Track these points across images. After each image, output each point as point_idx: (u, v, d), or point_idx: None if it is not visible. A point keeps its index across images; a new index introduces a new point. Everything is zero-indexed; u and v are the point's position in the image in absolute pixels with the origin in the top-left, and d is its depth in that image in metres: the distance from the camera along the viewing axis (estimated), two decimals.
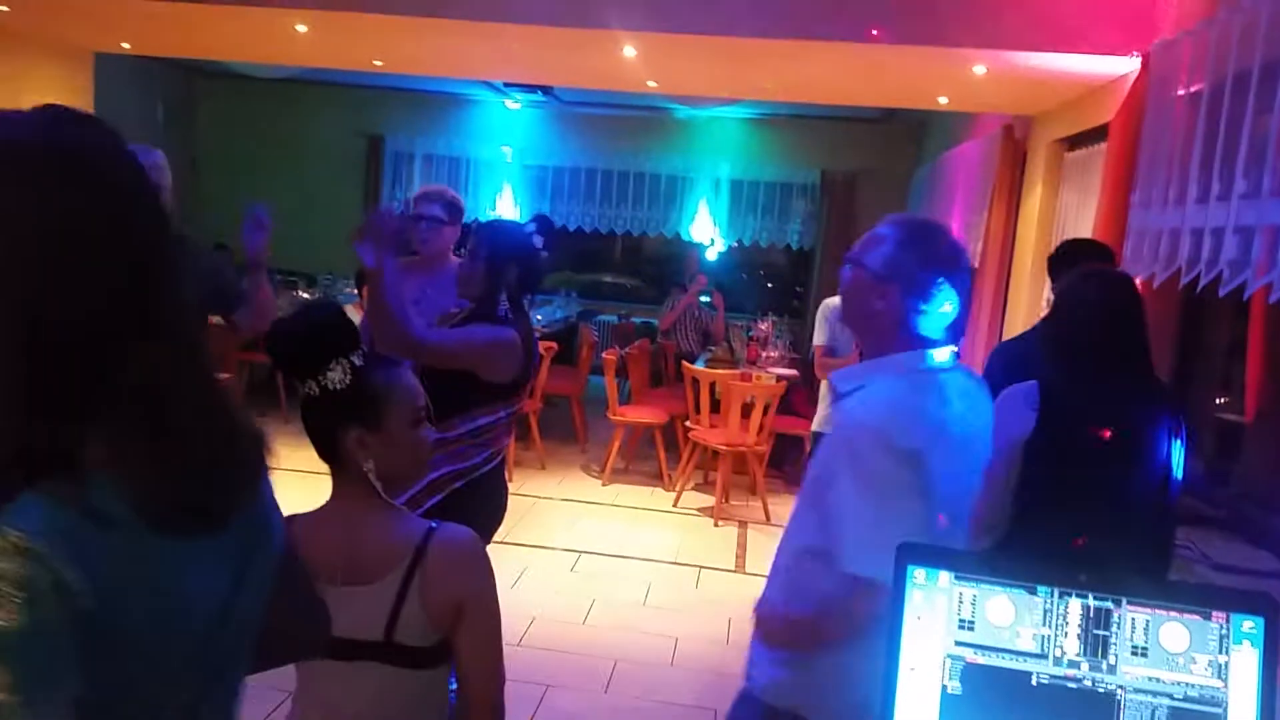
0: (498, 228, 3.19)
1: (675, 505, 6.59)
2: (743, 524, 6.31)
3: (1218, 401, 3.98)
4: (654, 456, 7.22)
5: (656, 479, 7.11)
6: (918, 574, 1.38)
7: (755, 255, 11.23)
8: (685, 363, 7.08)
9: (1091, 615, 1.33)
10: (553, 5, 4.67)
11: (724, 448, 6.34)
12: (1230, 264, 3.16)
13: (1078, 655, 1.33)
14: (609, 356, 7.23)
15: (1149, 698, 1.30)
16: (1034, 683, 1.34)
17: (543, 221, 3.13)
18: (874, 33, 4.34)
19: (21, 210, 0.92)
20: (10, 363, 0.91)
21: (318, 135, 10.21)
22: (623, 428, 7.07)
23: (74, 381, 0.92)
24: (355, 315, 6.61)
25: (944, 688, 1.35)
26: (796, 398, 7.10)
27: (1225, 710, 1.27)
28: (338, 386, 1.64)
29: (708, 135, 10.17)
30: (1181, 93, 3.63)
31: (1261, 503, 3.41)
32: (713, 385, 6.62)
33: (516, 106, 10.20)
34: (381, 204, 10.34)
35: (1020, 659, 1.34)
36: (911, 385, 1.82)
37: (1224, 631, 1.29)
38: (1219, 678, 1.28)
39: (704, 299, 8.63)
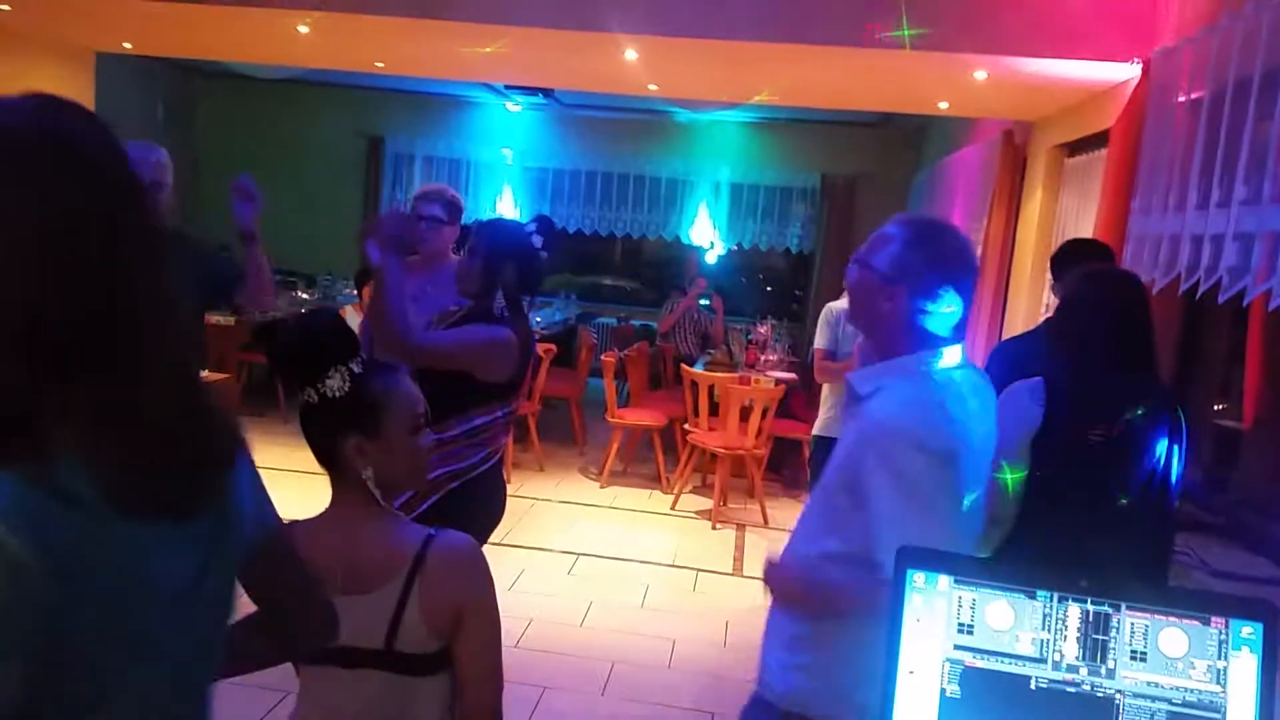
0: (496, 226, 3.19)
1: (673, 508, 6.59)
2: (741, 527, 6.31)
3: (1216, 408, 3.98)
4: (652, 459, 7.22)
5: (655, 481, 7.11)
6: (917, 578, 1.38)
7: (755, 259, 11.24)
8: (684, 366, 7.08)
9: (1091, 620, 1.33)
10: (554, 8, 4.67)
11: (722, 451, 6.34)
12: (1230, 270, 3.17)
13: (1077, 660, 1.33)
14: (608, 359, 7.23)
15: (1148, 702, 1.30)
16: (1033, 687, 1.34)
17: (543, 222, 3.13)
18: (878, 36, 4.34)
19: (10, 196, 0.93)
20: None
21: (318, 136, 10.21)
22: (621, 430, 7.07)
23: (51, 367, 0.94)
24: (355, 316, 6.62)
25: (943, 691, 1.35)
26: (795, 401, 7.10)
27: (1224, 715, 1.28)
28: (336, 394, 1.64)
29: (708, 139, 10.18)
30: (1182, 99, 3.64)
31: (1260, 509, 3.41)
32: (711, 388, 6.62)
33: (517, 109, 10.21)
34: (386, 205, 10.36)
35: (1019, 663, 1.34)
36: (933, 385, 1.82)
37: (1223, 637, 1.29)
38: (1218, 683, 1.28)
39: (703, 302, 8.64)
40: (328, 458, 1.68)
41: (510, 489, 3.24)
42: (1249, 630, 1.29)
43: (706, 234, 10.30)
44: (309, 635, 1.37)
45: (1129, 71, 4.26)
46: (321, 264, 9.74)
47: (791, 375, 7.37)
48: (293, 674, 1.72)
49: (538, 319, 8.65)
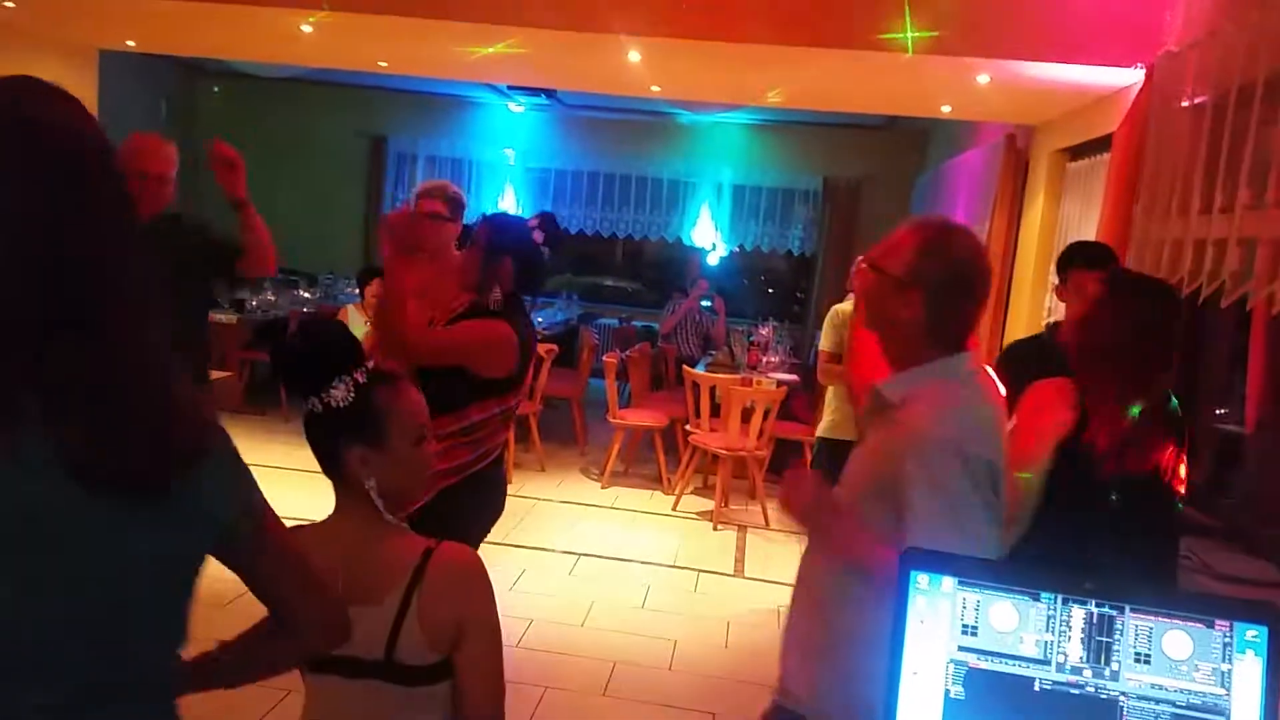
0: (498, 220, 3.19)
1: (674, 509, 6.60)
2: (742, 528, 6.31)
3: (1218, 412, 3.98)
4: (654, 460, 7.22)
5: (656, 482, 7.11)
6: (921, 579, 1.39)
7: (756, 260, 11.24)
8: (686, 367, 7.09)
9: (1095, 622, 1.33)
10: (557, 9, 4.67)
11: (724, 452, 6.34)
12: (1233, 275, 3.17)
13: (1081, 661, 1.33)
14: (609, 359, 7.24)
15: (1152, 705, 1.30)
16: (1037, 688, 1.34)
17: (546, 219, 3.12)
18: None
19: None
20: None
21: (321, 135, 10.23)
22: (623, 431, 7.07)
23: (19, 340, 0.99)
24: (357, 315, 6.62)
25: (947, 692, 1.35)
26: (797, 403, 7.11)
27: (1228, 718, 1.28)
28: (340, 404, 1.64)
29: (710, 140, 10.18)
30: (1186, 104, 3.64)
31: (1262, 514, 3.41)
32: (713, 389, 6.63)
33: (520, 109, 10.22)
34: (388, 204, 10.37)
35: (1023, 664, 1.34)
36: (966, 392, 1.82)
37: (1227, 640, 1.29)
38: (1222, 686, 1.29)
39: (705, 303, 8.65)
40: (331, 467, 1.68)
41: (511, 489, 3.23)
42: (1253, 633, 1.29)
43: (708, 235, 10.31)
44: (318, 636, 1.37)
45: (1132, 76, 4.26)
46: (324, 263, 9.76)
47: (793, 377, 7.38)
48: (295, 673, 1.73)
49: (539, 319, 8.65)
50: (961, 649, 1.36)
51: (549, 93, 9.08)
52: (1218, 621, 1.30)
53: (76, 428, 1.00)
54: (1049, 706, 1.33)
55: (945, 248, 1.84)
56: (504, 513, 3.17)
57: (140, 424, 1.04)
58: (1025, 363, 3.21)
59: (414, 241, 2.89)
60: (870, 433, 1.95)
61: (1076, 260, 3.15)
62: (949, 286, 1.82)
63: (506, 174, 10.47)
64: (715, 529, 6.26)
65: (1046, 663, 1.34)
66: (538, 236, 3.04)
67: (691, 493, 6.88)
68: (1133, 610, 1.33)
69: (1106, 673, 1.32)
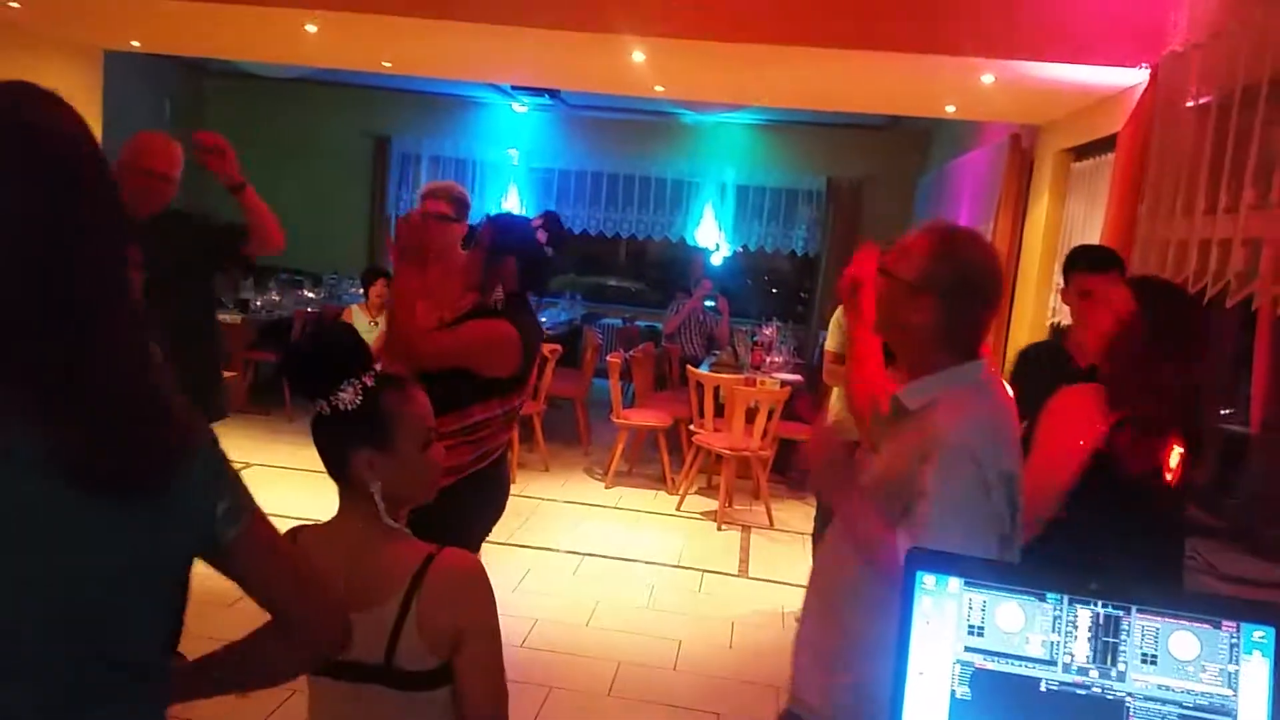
0: (502, 220, 3.20)
1: (678, 509, 6.60)
2: (746, 528, 6.31)
3: (1223, 412, 3.97)
4: (657, 460, 7.22)
5: (660, 482, 7.11)
6: (927, 579, 1.39)
7: (760, 261, 11.24)
8: (689, 367, 7.08)
9: (1101, 622, 1.33)
10: (562, 9, 4.67)
11: (728, 452, 6.34)
12: (1238, 276, 3.17)
13: (1087, 662, 1.33)
14: (613, 359, 7.24)
15: (1158, 706, 1.30)
16: (1043, 689, 1.34)
17: (550, 219, 3.13)
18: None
19: None
20: None
21: (325, 135, 10.24)
22: (626, 431, 7.08)
23: (13, 344, 1.01)
24: (362, 315, 6.63)
25: (953, 693, 1.35)
26: (800, 403, 7.10)
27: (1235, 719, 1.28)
28: (348, 407, 1.64)
29: (714, 140, 10.18)
30: (1190, 104, 3.64)
31: (1267, 514, 3.41)
32: (717, 389, 6.63)
33: (523, 110, 10.22)
34: (392, 204, 10.38)
35: (1029, 665, 1.34)
36: (987, 399, 1.82)
37: (1234, 640, 1.29)
38: (1229, 687, 1.28)
39: (709, 303, 8.65)
40: (337, 469, 1.68)
41: (515, 489, 3.24)
42: (1261, 634, 1.29)
43: (712, 235, 10.30)
44: (319, 641, 1.36)
45: (1137, 76, 4.26)
46: (328, 263, 9.77)
47: (797, 377, 7.38)
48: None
49: (542, 319, 8.66)
50: (968, 649, 1.36)
51: (553, 93, 9.08)
52: (1224, 622, 1.30)
53: (72, 428, 1.02)
54: (1055, 707, 1.33)
55: (957, 252, 1.84)
56: (508, 513, 3.18)
57: (135, 424, 1.06)
58: (1039, 366, 3.21)
59: (418, 247, 2.90)
60: (886, 441, 1.93)
61: (1079, 263, 3.14)
62: (961, 291, 1.82)
63: (510, 174, 10.48)
64: (719, 529, 6.26)
65: (1053, 663, 1.34)
66: (541, 236, 3.05)
67: (695, 493, 6.88)
68: (1139, 611, 1.33)
69: (1113, 673, 1.32)
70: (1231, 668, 1.29)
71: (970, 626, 1.36)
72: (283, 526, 1.77)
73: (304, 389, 1.69)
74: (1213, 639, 1.30)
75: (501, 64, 5.97)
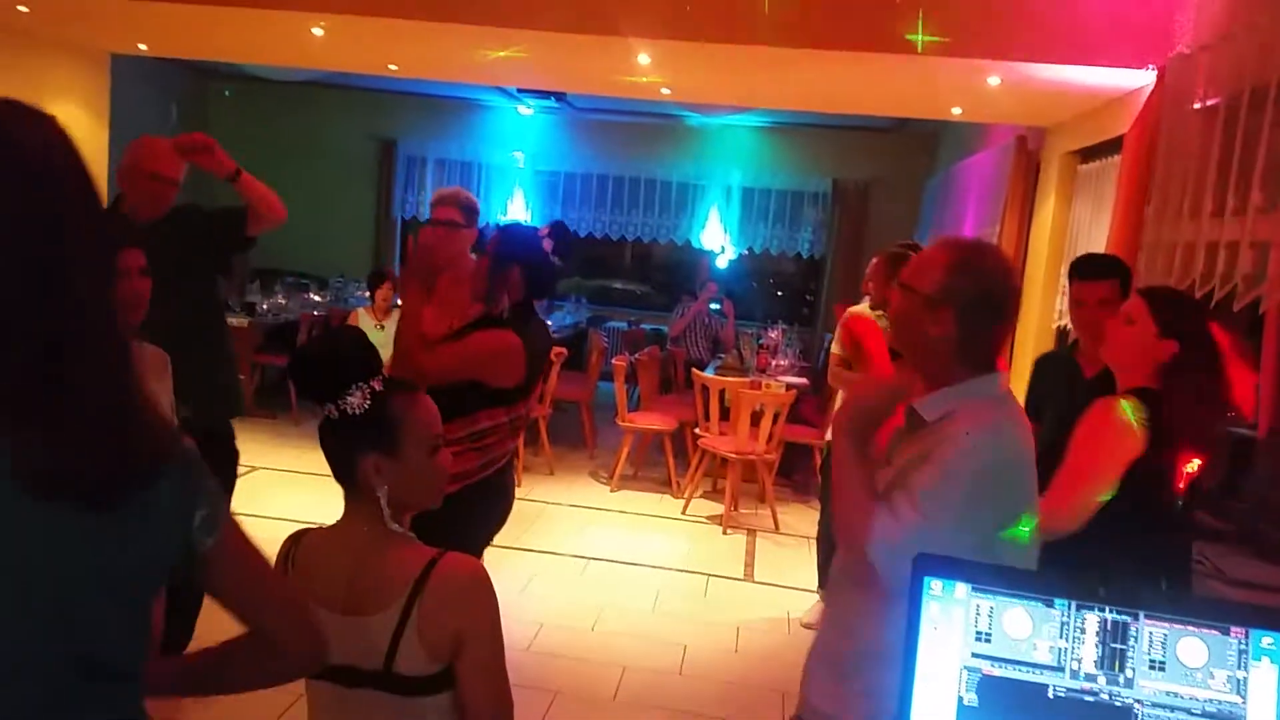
0: (508, 229, 3.22)
1: (684, 513, 6.59)
2: (751, 532, 6.30)
3: (1230, 416, 3.96)
4: (663, 463, 7.22)
5: (665, 486, 7.11)
6: (934, 585, 1.38)
7: (766, 263, 11.23)
8: (695, 370, 7.08)
9: (1109, 629, 1.33)
10: (568, 12, 4.68)
11: (733, 455, 6.34)
12: (1245, 279, 3.16)
13: (1095, 668, 1.33)
14: (619, 363, 7.24)
15: (1166, 712, 1.30)
16: (1050, 695, 1.33)
17: (557, 228, 3.15)
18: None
19: None
20: None
21: (331, 138, 10.25)
22: (632, 434, 7.07)
23: None
24: (368, 319, 6.63)
25: (960, 699, 1.35)
26: (806, 407, 7.10)
27: None
28: (356, 411, 1.65)
29: (719, 143, 10.18)
30: (1197, 106, 3.63)
31: (1274, 518, 3.39)
32: (722, 393, 6.62)
33: (529, 113, 10.23)
34: (398, 208, 10.39)
35: (1037, 671, 1.34)
36: (1001, 412, 1.82)
37: (1243, 647, 1.29)
38: (1237, 693, 1.28)
39: (714, 306, 8.64)
40: (345, 473, 1.68)
41: (520, 492, 3.24)
42: (1269, 640, 1.28)
43: (717, 238, 10.30)
44: (291, 658, 1.35)
45: (1144, 78, 4.25)
46: (333, 266, 9.79)
47: (803, 380, 7.37)
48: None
49: (548, 322, 8.67)
50: (975, 655, 1.35)
51: (559, 95, 9.09)
52: (1233, 628, 1.29)
53: (34, 436, 1.02)
54: (1063, 714, 1.32)
55: (977, 266, 1.85)
56: (513, 517, 3.18)
57: (103, 435, 1.06)
58: (1053, 375, 3.21)
59: (429, 268, 2.93)
60: (899, 452, 1.93)
61: (1074, 273, 3.14)
62: (980, 305, 1.83)
63: (516, 177, 10.48)
64: (725, 533, 6.25)
65: (1060, 670, 1.33)
66: (547, 245, 3.06)
67: (701, 496, 6.87)
68: (1147, 617, 1.32)
69: (1121, 680, 1.32)
70: (1240, 674, 1.28)
71: (978, 632, 1.36)
72: (288, 530, 1.78)
73: (312, 393, 1.69)
74: (1221, 645, 1.29)
75: (507, 67, 5.97)
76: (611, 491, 6.95)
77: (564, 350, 7.47)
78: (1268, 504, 3.51)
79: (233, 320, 7.47)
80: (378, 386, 1.67)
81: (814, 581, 5.08)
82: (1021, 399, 2.31)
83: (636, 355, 7.74)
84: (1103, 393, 2.64)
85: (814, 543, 5.19)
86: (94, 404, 1.06)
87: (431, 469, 1.71)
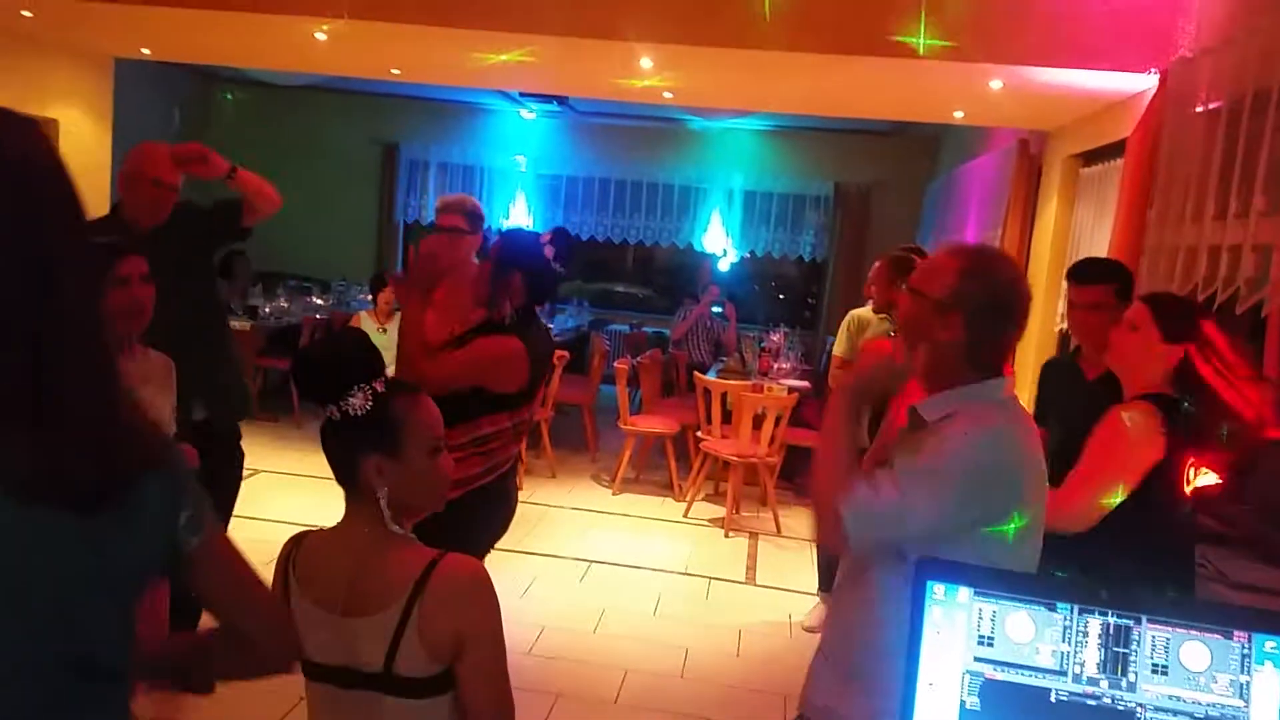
0: (510, 235, 3.24)
1: (686, 516, 6.59)
2: (753, 535, 6.30)
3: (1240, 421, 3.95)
4: (665, 466, 7.21)
5: (667, 489, 7.10)
6: (937, 589, 1.38)
7: (768, 266, 11.23)
8: (697, 373, 7.08)
9: (1111, 633, 1.33)
10: (570, 16, 4.68)
11: (735, 459, 6.34)
12: (1247, 282, 3.16)
13: (1097, 672, 1.32)
14: (620, 366, 7.24)
15: (1169, 716, 1.30)
16: (1053, 699, 1.33)
17: (559, 234, 3.17)
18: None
19: None
20: None
21: (333, 142, 10.26)
22: (634, 437, 7.07)
23: None
24: (370, 322, 6.64)
25: (962, 703, 1.35)
26: (808, 410, 7.09)
27: None
28: (358, 413, 1.65)
29: (721, 146, 10.18)
30: (1200, 110, 3.63)
31: (1277, 521, 3.39)
32: (724, 396, 6.62)
33: (531, 117, 10.24)
34: (400, 211, 10.40)
35: (1039, 675, 1.34)
36: (1002, 415, 1.83)
37: (1246, 651, 1.28)
38: (1240, 697, 1.28)
39: (716, 310, 8.64)
40: (346, 475, 1.68)
41: (522, 495, 3.25)
42: (1272, 645, 1.28)
43: (719, 241, 10.30)
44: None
45: (1146, 82, 4.24)
46: (335, 270, 9.79)
47: (804, 383, 7.37)
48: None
49: (550, 326, 8.67)
50: (977, 660, 1.35)
51: (561, 99, 9.09)
52: (1236, 632, 1.29)
53: (18, 439, 1.02)
54: (1065, 718, 1.32)
55: (987, 272, 1.86)
56: (514, 519, 3.18)
57: (84, 437, 1.06)
58: (1058, 379, 3.22)
59: (431, 276, 2.94)
60: (899, 452, 1.93)
61: (1069, 275, 3.14)
62: (990, 310, 1.84)
63: (518, 181, 10.49)
64: (727, 536, 6.24)
65: (1063, 674, 1.33)
66: (548, 251, 3.07)
67: (703, 500, 6.87)
68: (1149, 621, 1.32)
69: (1123, 684, 1.31)
70: (1243, 678, 1.28)
71: (980, 637, 1.36)
72: (290, 533, 1.78)
73: (314, 394, 1.69)
74: (1224, 649, 1.29)
75: (509, 71, 5.97)
76: (613, 495, 6.94)
77: (566, 353, 7.47)
78: (1271, 507, 3.51)
79: (235, 323, 7.49)
80: (379, 388, 1.67)
81: (815, 584, 5.07)
82: (1029, 404, 2.32)
83: (638, 358, 7.74)
84: (1104, 395, 2.65)
85: (814, 544, 5.19)
86: (79, 407, 1.06)
87: (433, 471, 1.71)
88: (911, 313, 1.91)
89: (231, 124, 10.21)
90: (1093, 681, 1.32)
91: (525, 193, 10.49)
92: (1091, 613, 1.34)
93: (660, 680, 4.19)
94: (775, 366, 7.59)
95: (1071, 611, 1.34)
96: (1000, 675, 1.34)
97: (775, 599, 5.23)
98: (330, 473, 1.72)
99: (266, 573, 1.69)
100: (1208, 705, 1.28)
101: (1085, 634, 1.33)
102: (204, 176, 3.58)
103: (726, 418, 6.62)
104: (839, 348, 4.93)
